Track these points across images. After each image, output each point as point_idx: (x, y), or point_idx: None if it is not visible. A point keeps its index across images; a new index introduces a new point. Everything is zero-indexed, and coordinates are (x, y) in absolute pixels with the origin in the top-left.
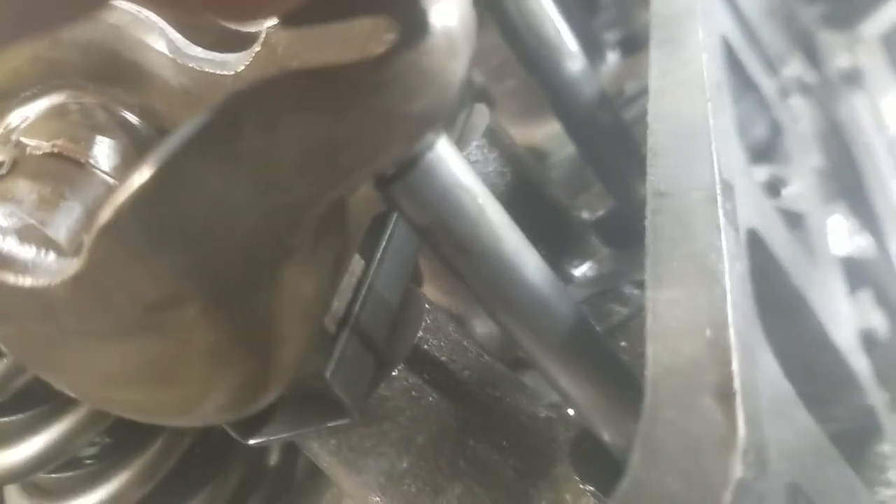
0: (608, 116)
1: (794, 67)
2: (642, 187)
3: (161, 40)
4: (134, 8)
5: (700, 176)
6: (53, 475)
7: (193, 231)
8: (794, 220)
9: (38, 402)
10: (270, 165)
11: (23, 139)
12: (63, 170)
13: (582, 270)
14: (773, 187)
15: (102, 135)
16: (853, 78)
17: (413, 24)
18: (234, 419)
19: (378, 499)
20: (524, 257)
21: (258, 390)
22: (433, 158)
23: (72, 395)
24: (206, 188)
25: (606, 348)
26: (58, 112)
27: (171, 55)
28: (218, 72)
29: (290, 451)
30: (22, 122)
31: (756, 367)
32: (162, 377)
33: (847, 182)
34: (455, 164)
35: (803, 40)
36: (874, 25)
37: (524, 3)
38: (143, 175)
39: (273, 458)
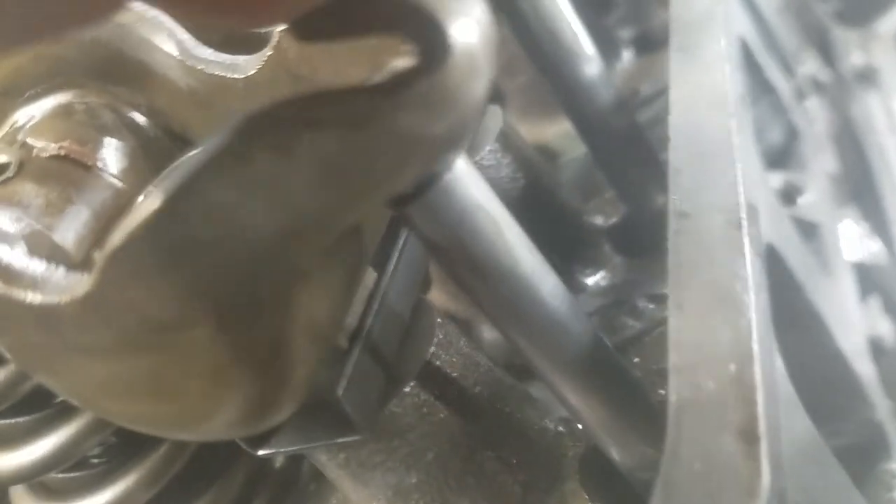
0: (623, 122)
1: (810, 66)
2: (657, 194)
3: (169, 41)
4: (141, 7)
5: (724, 197)
6: (60, 475)
7: (205, 255)
8: (808, 229)
9: (47, 404)
10: (284, 189)
11: (29, 140)
12: (70, 173)
13: (594, 279)
14: (789, 196)
15: (110, 136)
16: (867, 76)
17: (433, 44)
18: (242, 436)
19: None
20: (540, 278)
21: (267, 409)
22: (451, 178)
23: (73, 403)
24: (218, 213)
25: (620, 368)
26: (64, 112)
27: (179, 56)
28: (228, 75)
29: (296, 454)
30: (28, 122)
31: (778, 404)
32: (165, 393)
33: (859, 185)
34: (474, 184)
35: (817, 37)
36: (889, 22)
37: (540, 2)
38: (155, 199)
39: (278, 461)
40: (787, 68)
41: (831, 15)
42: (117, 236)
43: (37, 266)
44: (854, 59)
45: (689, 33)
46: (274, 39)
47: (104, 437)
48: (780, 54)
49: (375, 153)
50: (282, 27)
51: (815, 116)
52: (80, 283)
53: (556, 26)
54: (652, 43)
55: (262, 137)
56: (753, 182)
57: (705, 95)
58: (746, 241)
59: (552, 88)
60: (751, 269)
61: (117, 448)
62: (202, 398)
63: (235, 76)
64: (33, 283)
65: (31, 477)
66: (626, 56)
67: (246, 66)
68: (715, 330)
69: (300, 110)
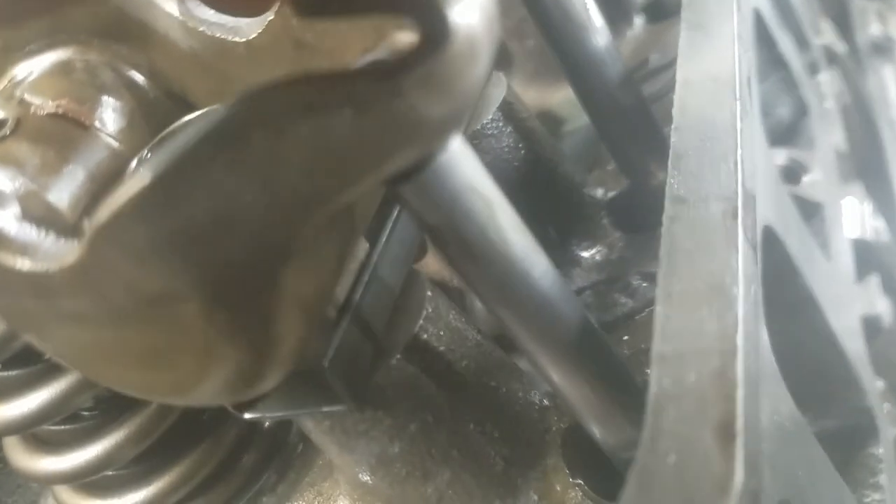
0: (629, 95)
1: (826, 37)
2: (659, 170)
3: (171, 1)
4: None
5: (723, 184)
6: (52, 427)
7: (194, 233)
8: (809, 208)
9: (40, 358)
10: (278, 170)
11: (27, 96)
12: (67, 132)
13: (590, 254)
14: (794, 173)
15: (108, 96)
16: (884, 48)
17: (434, 26)
18: (229, 403)
19: (368, 478)
20: (532, 261)
21: (255, 380)
22: (446, 158)
23: (65, 365)
24: (210, 191)
25: (606, 349)
26: (63, 69)
27: (181, 17)
28: (229, 38)
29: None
30: (27, 77)
31: (760, 401)
32: (155, 363)
33: (866, 161)
34: (468, 165)
35: (835, 7)
36: None
37: None
38: (146, 173)
39: (267, 420)
40: (802, 40)
41: None
42: (106, 209)
43: (28, 231)
44: (872, 29)
45: (701, 7)
46: (276, 4)
47: (96, 391)
48: (796, 25)
49: (372, 136)
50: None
51: (826, 91)
52: (69, 252)
53: None
54: (665, 10)
55: (258, 117)
56: (755, 166)
57: (711, 74)
58: (741, 231)
59: (558, 58)
60: (742, 261)
61: (109, 401)
62: (191, 369)
63: (237, 39)
64: (23, 248)
65: (24, 429)
66: (638, 22)
67: (248, 29)
68: (702, 321)
69: (298, 92)
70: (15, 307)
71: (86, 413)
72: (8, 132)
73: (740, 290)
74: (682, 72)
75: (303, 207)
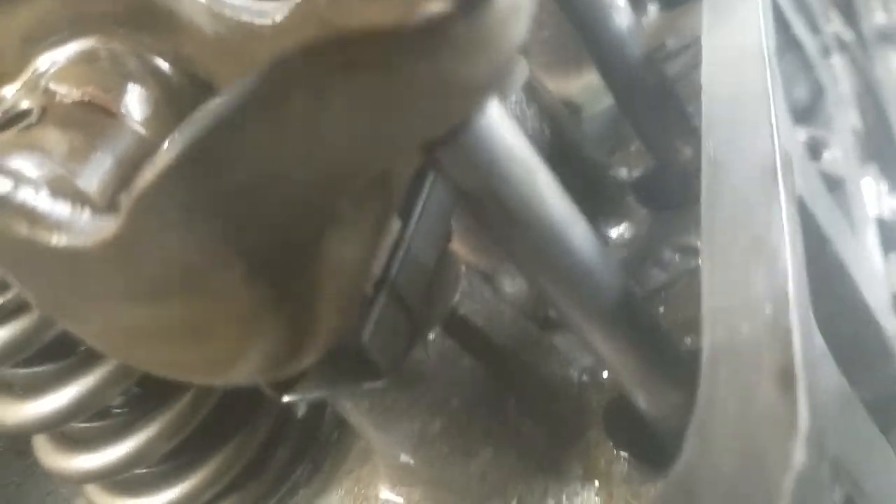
0: (652, 74)
1: (835, 24)
2: (684, 147)
3: None
4: None
5: (759, 146)
6: (81, 425)
7: (236, 199)
8: (833, 184)
9: (68, 354)
10: (318, 132)
11: (52, 86)
12: (94, 119)
13: (618, 231)
14: (815, 150)
15: (133, 83)
16: (888, 36)
17: None
18: (269, 381)
19: (409, 459)
20: (571, 225)
21: (295, 353)
22: (484, 122)
23: (98, 349)
24: (250, 154)
25: (648, 317)
26: (88, 58)
27: (206, 2)
28: (256, 21)
29: (319, 403)
30: (50, 67)
31: (815, 348)
32: (194, 337)
33: (880, 143)
34: (506, 129)
35: None
36: None
37: None
38: (185, 140)
39: (301, 410)
40: (814, 25)
41: None
42: (145, 177)
43: (62, 208)
44: (876, 18)
45: None
46: None
47: (126, 386)
48: (807, 12)
49: (410, 97)
50: None
51: (839, 74)
52: (107, 226)
53: None
54: None
55: (296, 79)
56: (786, 134)
57: (738, 46)
58: (782, 189)
59: (582, 39)
60: (786, 216)
61: (140, 398)
62: (231, 342)
63: (263, 22)
64: (58, 225)
65: (53, 426)
66: (652, 10)
67: (274, 12)
68: (749, 274)
69: (335, 52)
70: (50, 289)
71: (116, 410)
72: (34, 120)
73: (787, 243)
74: (709, 43)
75: (343, 170)
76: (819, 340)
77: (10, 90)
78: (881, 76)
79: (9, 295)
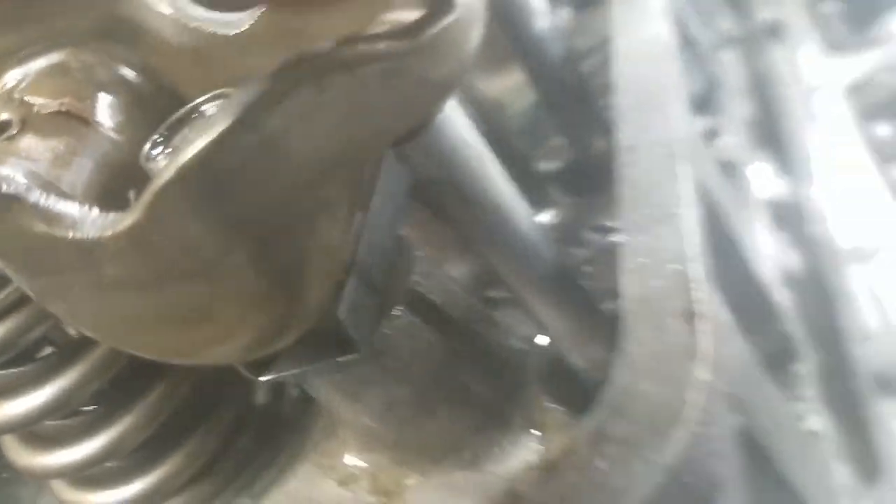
0: (572, 72)
1: (725, 20)
2: (598, 140)
3: (163, 1)
4: None
5: (665, 132)
6: (51, 423)
7: (253, 185)
8: (727, 168)
9: (34, 358)
10: (323, 123)
11: (27, 98)
12: (72, 128)
13: (543, 219)
14: (711, 138)
15: (105, 93)
16: (775, 31)
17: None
18: (247, 360)
19: (375, 424)
20: (515, 206)
21: (282, 333)
22: (443, 117)
23: (97, 339)
24: (268, 143)
25: (577, 283)
26: (59, 70)
27: (173, 14)
28: (220, 31)
29: (277, 388)
30: (21, 81)
31: (711, 294)
32: (192, 321)
33: (769, 131)
34: (461, 122)
35: None
36: None
37: None
38: (209, 136)
39: (260, 397)
40: (707, 24)
41: None
42: (170, 169)
43: (73, 207)
44: (764, 14)
45: None
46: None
47: (101, 385)
48: (701, 10)
49: (394, 95)
50: None
51: (730, 68)
52: (124, 218)
53: None
54: (588, 1)
55: (303, 75)
56: (687, 122)
57: (647, 42)
58: (684, 169)
59: (508, 40)
60: (686, 191)
61: (108, 394)
62: (231, 321)
63: (229, 33)
64: (73, 222)
65: (24, 426)
66: (565, 12)
67: (239, 23)
68: (658, 238)
69: (333, 54)
70: (57, 283)
71: (85, 408)
72: (15, 131)
73: (690, 212)
74: (619, 40)
75: (337, 161)
76: (727, 317)
77: None
78: (768, 69)
79: None
